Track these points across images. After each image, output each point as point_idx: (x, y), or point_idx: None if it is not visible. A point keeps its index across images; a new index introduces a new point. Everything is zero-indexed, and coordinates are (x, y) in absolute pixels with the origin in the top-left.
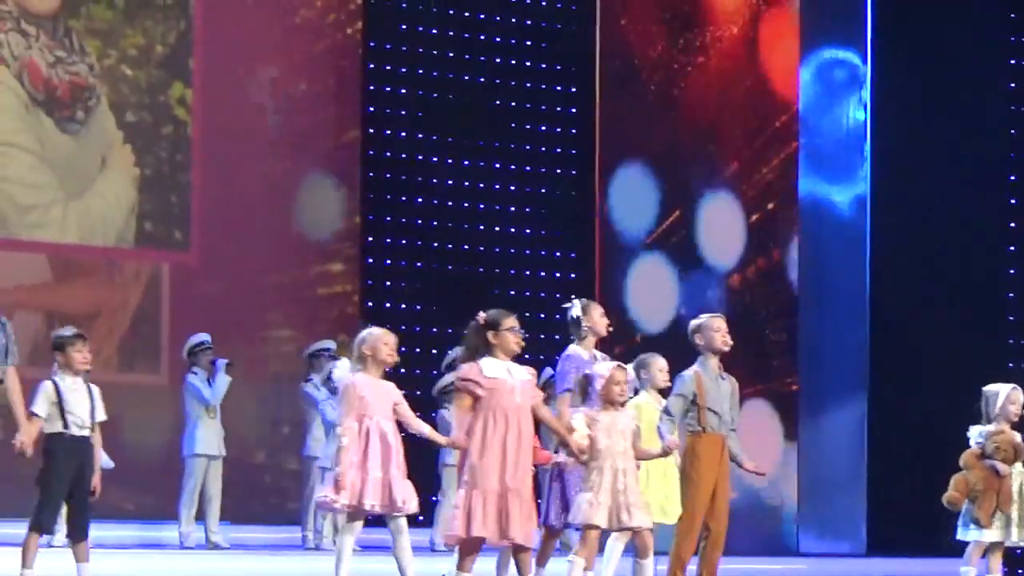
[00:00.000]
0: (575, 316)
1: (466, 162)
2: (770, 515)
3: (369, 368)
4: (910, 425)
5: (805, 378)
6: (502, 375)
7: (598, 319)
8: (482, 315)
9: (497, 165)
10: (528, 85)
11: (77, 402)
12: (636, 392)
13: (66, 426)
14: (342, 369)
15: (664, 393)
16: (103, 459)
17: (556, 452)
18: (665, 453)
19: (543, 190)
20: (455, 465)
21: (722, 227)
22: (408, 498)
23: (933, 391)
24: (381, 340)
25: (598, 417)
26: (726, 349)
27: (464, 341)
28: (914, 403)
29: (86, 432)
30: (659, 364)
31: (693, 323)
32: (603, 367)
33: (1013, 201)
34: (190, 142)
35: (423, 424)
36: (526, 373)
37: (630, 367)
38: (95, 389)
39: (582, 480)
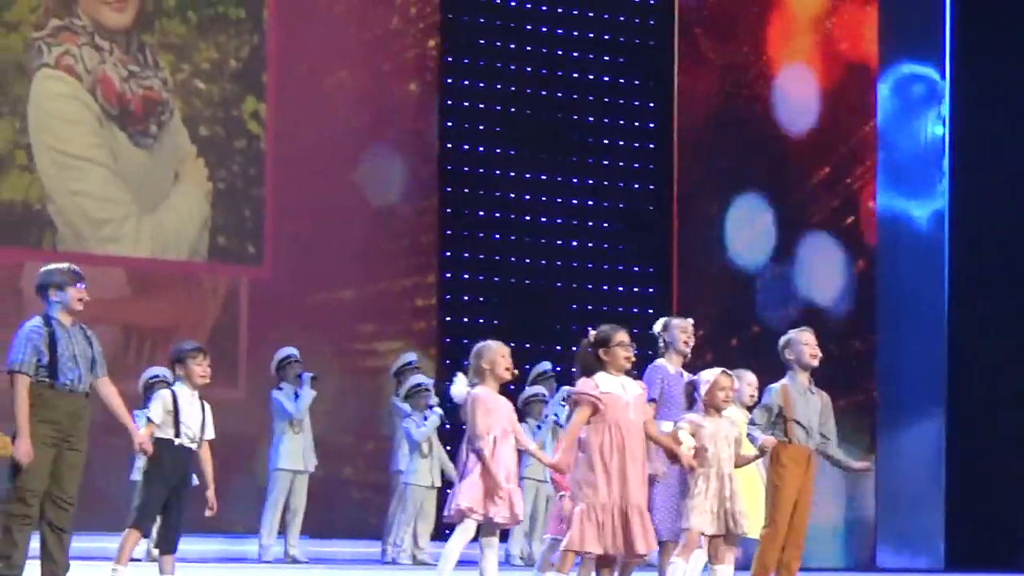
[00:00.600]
0: (656, 332)
1: (543, 176)
2: (847, 529)
3: (487, 382)
4: (988, 439)
5: (883, 392)
6: (616, 390)
7: (678, 335)
8: (593, 332)
9: (575, 180)
10: (606, 100)
11: (191, 415)
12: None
13: (177, 435)
14: (459, 384)
15: (752, 409)
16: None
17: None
18: (762, 452)
19: (621, 204)
20: (530, 479)
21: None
22: (522, 510)
23: (1012, 406)
24: (499, 353)
25: (703, 423)
26: (815, 364)
27: (576, 359)
28: (992, 417)
29: (194, 446)
30: (747, 379)
31: (783, 338)
32: (709, 373)
33: None
34: (263, 156)
35: (531, 441)
36: (638, 388)
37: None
38: (208, 407)
39: (686, 487)
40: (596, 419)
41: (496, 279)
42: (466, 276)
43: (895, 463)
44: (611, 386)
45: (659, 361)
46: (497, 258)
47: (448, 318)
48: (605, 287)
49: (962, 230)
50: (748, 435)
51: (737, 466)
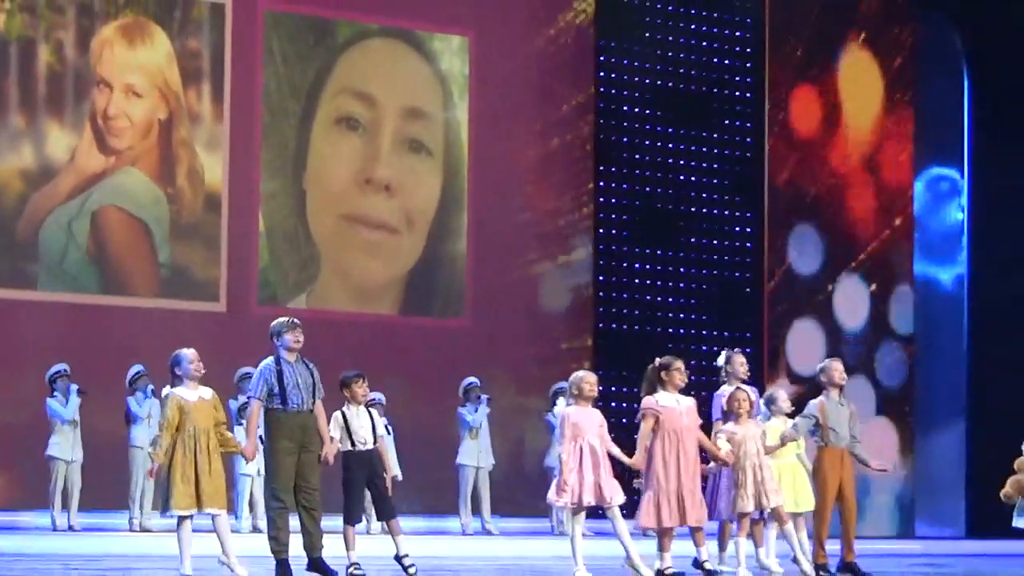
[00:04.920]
0: (719, 364)
1: (671, 253)
2: (893, 507)
3: (579, 402)
4: (999, 442)
5: (920, 408)
6: (672, 404)
7: (737, 367)
8: (657, 360)
9: (692, 255)
10: (715, 196)
11: (360, 425)
12: (768, 419)
13: (353, 445)
14: (560, 405)
15: (791, 417)
16: (395, 470)
17: (706, 463)
18: (783, 442)
19: (725, 274)
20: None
21: (854, 301)
22: (614, 493)
23: (1014, 416)
24: (584, 380)
25: (735, 431)
26: (843, 383)
27: (644, 380)
28: (1000, 426)
29: (369, 447)
30: (783, 396)
31: (819, 365)
32: (726, 389)
33: None
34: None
35: (613, 446)
36: (690, 400)
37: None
38: (374, 412)
39: (732, 480)
40: (658, 426)
41: (642, 328)
42: (614, 326)
43: (928, 459)
44: (668, 401)
45: (721, 389)
46: (637, 312)
47: (602, 343)
48: (717, 348)
49: (978, 289)
50: (783, 431)
51: (766, 453)
